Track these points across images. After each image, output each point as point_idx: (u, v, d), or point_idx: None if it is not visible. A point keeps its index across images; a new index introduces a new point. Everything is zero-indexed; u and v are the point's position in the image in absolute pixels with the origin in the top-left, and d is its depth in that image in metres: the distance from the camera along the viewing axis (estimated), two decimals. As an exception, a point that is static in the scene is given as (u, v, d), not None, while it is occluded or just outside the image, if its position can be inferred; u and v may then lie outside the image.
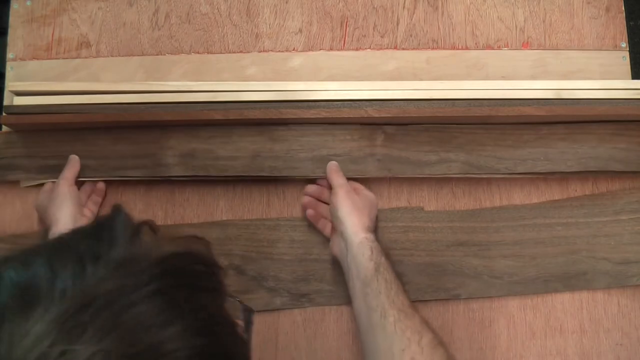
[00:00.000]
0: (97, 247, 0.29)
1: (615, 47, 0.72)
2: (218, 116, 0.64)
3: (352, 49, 0.72)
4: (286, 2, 0.73)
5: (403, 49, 0.72)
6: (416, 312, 0.50)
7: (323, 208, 0.65)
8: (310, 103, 0.65)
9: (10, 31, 0.73)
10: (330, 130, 0.66)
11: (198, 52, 0.72)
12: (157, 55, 0.72)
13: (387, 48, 0.72)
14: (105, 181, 0.68)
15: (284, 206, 0.68)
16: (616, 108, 0.65)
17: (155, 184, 0.68)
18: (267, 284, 0.65)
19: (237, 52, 0.72)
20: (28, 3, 0.73)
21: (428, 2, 0.73)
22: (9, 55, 0.72)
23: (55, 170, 0.66)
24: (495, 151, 0.67)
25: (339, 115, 0.64)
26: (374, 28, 0.73)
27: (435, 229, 0.67)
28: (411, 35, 0.72)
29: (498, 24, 0.73)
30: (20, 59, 0.72)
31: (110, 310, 0.26)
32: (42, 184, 0.67)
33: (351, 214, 0.58)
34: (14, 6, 0.73)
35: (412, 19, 0.73)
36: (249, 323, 0.40)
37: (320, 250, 0.66)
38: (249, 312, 0.40)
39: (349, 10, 0.73)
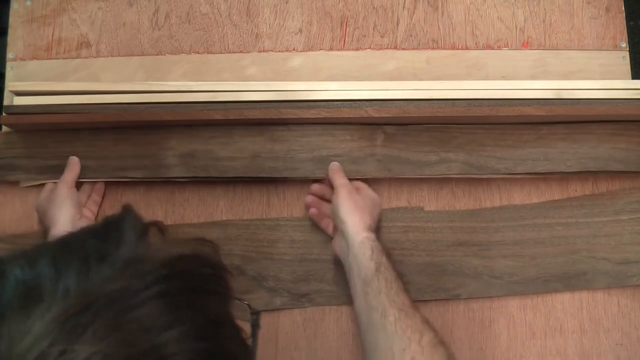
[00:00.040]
0: (103, 247, 0.29)
1: (615, 47, 0.72)
2: (218, 116, 0.64)
3: (352, 49, 0.72)
4: (286, 2, 0.73)
5: (403, 49, 0.72)
6: (417, 312, 0.50)
7: (326, 207, 0.65)
8: (310, 103, 0.65)
9: (10, 31, 0.73)
10: (330, 131, 0.66)
11: (198, 52, 0.72)
12: (157, 55, 0.72)
13: (387, 48, 0.72)
14: (105, 181, 0.68)
15: (284, 206, 0.68)
16: (616, 108, 0.65)
17: (156, 184, 0.68)
18: (267, 284, 0.65)
19: (237, 52, 0.72)
20: (28, 3, 0.73)
21: (428, 2, 0.73)
22: (9, 55, 0.72)
23: (56, 171, 0.66)
24: (495, 151, 0.66)
25: (339, 115, 0.64)
26: (374, 28, 0.73)
27: (435, 229, 0.67)
28: (411, 35, 0.72)
29: (498, 24, 0.73)
30: (20, 59, 0.72)
31: (113, 311, 0.26)
32: (42, 184, 0.67)
33: (352, 214, 0.58)
34: (14, 6, 0.73)
35: (412, 19, 0.73)
36: (255, 327, 0.40)
37: (320, 250, 0.66)
38: (256, 316, 0.40)
39: (349, 10, 0.73)
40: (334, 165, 0.65)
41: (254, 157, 0.66)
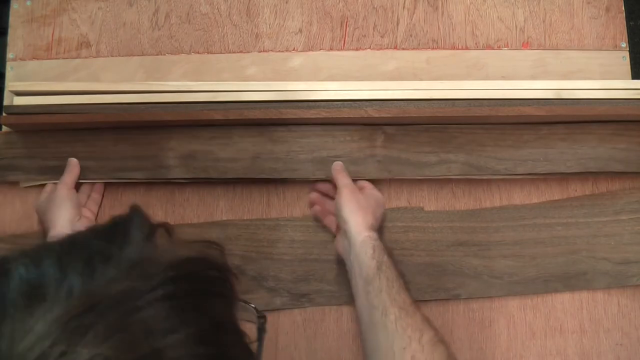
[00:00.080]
0: (109, 248, 0.28)
1: (615, 47, 0.72)
2: (218, 116, 0.64)
3: (352, 49, 0.72)
4: (286, 2, 0.73)
5: (403, 49, 0.72)
6: (417, 310, 0.51)
7: (330, 204, 0.65)
8: (310, 103, 0.65)
9: (10, 31, 0.73)
10: (330, 132, 0.66)
11: (198, 52, 0.72)
12: (157, 55, 0.72)
13: (387, 48, 0.72)
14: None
15: (284, 206, 0.68)
16: (616, 108, 0.65)
17: (155, 184, 0.68)
18: (267, 284, 0.65)
19: (237, 52, 0.72)
20: (28, 3, 0.73)
21: (428, 2, 0.73)
22: (9, 55, 0.72)
23: (56, 171, 0.66)
24: (495, 152, 0.66)
25: (339, 115, 0.64)
26: (374, 28, 0.73)
27: (435, 229, 0.67)
28: (411, 35, 0.72)
29: (498, 24, 0.73)
30: (20, 59, 0.72)
31: (116, 313, 0.26)
32: (42, 184, 0.67)
33: (355, 213, 0.58)
34: (14, 6, 0.73)
35: (412, 19, 0.73)
36: (261, 330, 0.39)
37: (320, 250, 0.66)
38: (263, 319, 0.40)
39: (349, 10, 0.73)
40: (337, 165, 0.65)
41: (254, 158, 0.66)
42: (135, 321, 0.26)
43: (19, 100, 0.65)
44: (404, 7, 0.73)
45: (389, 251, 0.57)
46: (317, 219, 0.67)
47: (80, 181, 0.66)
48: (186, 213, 0.68)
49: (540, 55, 0.72)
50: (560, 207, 0.68)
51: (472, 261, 0.66)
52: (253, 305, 0.40)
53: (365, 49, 0.72)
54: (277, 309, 0.65)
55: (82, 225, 0.62)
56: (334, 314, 0.65)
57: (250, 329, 0.37)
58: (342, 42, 0.72)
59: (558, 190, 0.69)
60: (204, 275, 0.31)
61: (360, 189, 0.63)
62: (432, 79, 0.70)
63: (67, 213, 0.61)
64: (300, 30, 0.73)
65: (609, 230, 0.67)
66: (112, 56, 0.72)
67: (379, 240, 0.57)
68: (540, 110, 0.64)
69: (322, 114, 0.64)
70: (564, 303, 0.66)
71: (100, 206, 0.68)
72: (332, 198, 0.65)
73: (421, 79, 0.70)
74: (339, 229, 0.63)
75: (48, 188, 0.66)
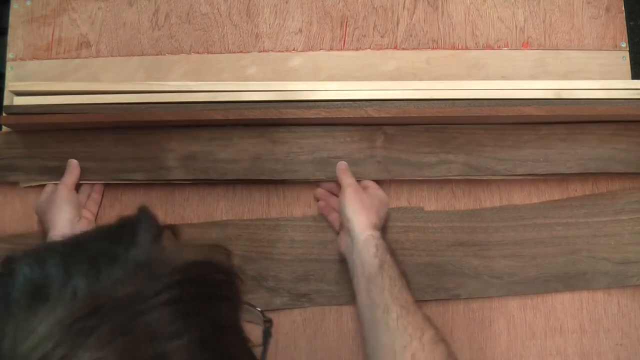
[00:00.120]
0: (115, 249, 0.28)
1: (615, 47, 0.72)
2: (218, 116, 0.64)
3: (352, 49, 0.72)
4: (286, 2, 0.73)
5: (403, 49, 0.72)
6: (419, 310, 0.51)
7: (334, 201, 0.66)
8: (310, 103, 0.65)
9: (10, 31, 0.73)
10: (330, 132, 0.66)
11: (198, 52, 0.72)
12: (157, 55, 0.72)
13: (387, 48, 0.72)
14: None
15: (284, 206, 0.68)
16: (616, 108, 0.65)
17: (156, 184, 0.68)
18: (267, 284, 0.65)
19: (237, 52, 0.72)
20: (28, 3, 0.73)
21: (428, 2, 0.73)
22: (9, 55, 0.72)
23: (56, 172, 0.66)
24: (495, 152, 0.66)
25: (339, 115, 0.64)
26: (374, 28, 0.73)
27: (435, 229, 0.67)
28: (411, 35, 0.72)
29: (498, 24, 0.73)
30: (20, 59, 0.72)
31: (120, 316, 0.25)
32: (42, 184, 0.67)
33: (358, 212, 0.59)
34: (14, 6, 0.73)
35: (412, 19, 0.73)
36: (267, 335, 0.39)
37: (320, 250, 0.66)
38: (268, 324, 0.40)
39: (349, 10, 0.73)
40: (342, 165, 0.65)
41: (254, 159, 0.66)
42: (140, 325, 0.26)
43: (19, 100, 0.65)
44: (404, 7, 0.73)
45: (392, 250, 0.57)
46: (321, 215, 0.67)
47: (82, 182, 0.66)
48: (186, 213, 0.68)
49: (540, 55, 0.72)
50: (560, 207, 0.68)
51: (472, 261, 0.66)
52: (259, 309, 0.40)
53: (365, 49, 0.72)
54: (277, 309, 0.65)
55: (82, 226, 0.62)
56: (334, 314, 0.65)
57: (255, 330, 0.36)
58: (342, 42, 0.72)
59: (558, 190, 0.69)
60: (210, 279, 0.31)
61: (365, 188, 0.64)
62: (432, 79, 0.70)
63: (67, 214, 0.61)
64: (300, 30, 0.73)
65: (609, 230, 0.67)
66: (112, 56, 0.72)
67: (382, 239, 0.57)
68: (540, 110, 0.64)
69: (322, 114, 0.64)
70: (564, 303, 0.66)
71: (100, 206, 0.68)
72: (337, 196, 0.65)
73: (421, 79, 0.70)
74: (342, 227, 0.63)
75: (48, 188, 0.66)
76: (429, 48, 0.72)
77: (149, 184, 0.68)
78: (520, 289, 0.66)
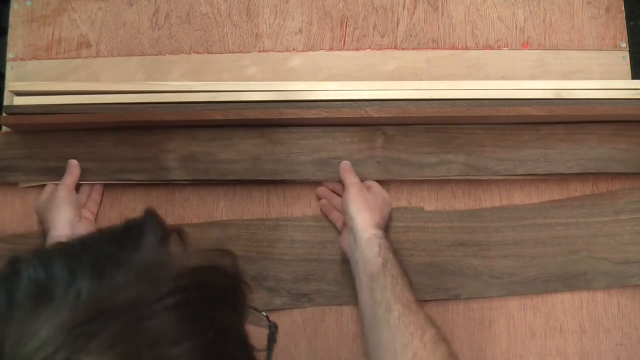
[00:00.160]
0: (121, 252, 0.28)
1: (615, 47, 0.72)
2: (218, 116, 0.64)
3: (352, 49, 0.72)
4: (286, 2, 0.73)
5: (403, 49, 0.72)
6: (421, 309, 0.51)
7: (337, 200, 0.66)
8: (310, 103, 0.65)
9: (10, 31, 0.73)
10: (330, 133, 0.66)
11: (198, 52, 0.72)
12: (157, 55, 0.72)
13: (387, 48, 0.72)
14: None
15: (284, 206, 0.68)
16: (616, 108, 0.65)
17: (156, 184, 0.68)
18: (267, 284, 0.65)
19: (237, 52, 0.72)
20: (28, 3, 0.73)
21: (428, 2, 0.73)
22: (9, 55, 0.72)
23: (55, 172, 0.66)
24: (495, 152, 0.66)
25: (339, 115, 0.64)
26: (374, 28, 0.73)
27: (435, 229, 0.67)
28: (411, 35, 0.72)
29: (498, 24, 0.73)
30: (20, 59, 0.72)
31: (122, 321, 0.25)
32: (42, 184, 0.67)
33: (362, 211, 0.59)
34: (14, 6, 0.73)
35: (412, 19, 0.73)
36: (272, 340, 0.39)
37: (320, 250, 0.66)
38: (274, 329, 0.40)
39: (349, 10, 0.73)
40: (345, 165, 0.65)
41: (254, 160, 0.66)
42: (142, 330, 0.26)
43: (19, 100, 0.65)
44: (404, 7, 0.73)
45: (395, 250, 0.57)
46: (322, 214, 0.67)
47: (82, 182, 0.66)
48: (186, 213, 0.68)
49: (540, 55, 0.72)
50: (560, 207, 0.68)
51: (472, 261, 0.66)
52: (265, 314, 0.40)
53: (365, 49, 0.72)
54: (277, 309, 0.65)
55: (82, 226, 0.62)
56: (334, 314, 0.65)
57: (259, 334, 0.36)
58: (342, 42, 0.72)
59: (558, 190, 0.69)
60: (216, 284, 0.30)
61: (368, 188, 0.64)
62: (432, 79, 0.70)
63: (67, 214, 0.61)
64: (300, 30, 0.73)
65: (609, 230, 0.67)
66: (112, 56, 0.72)
67: (385, 239, 0.57)
68: (540, 110, 0.64)
69: (322, 114, 0.64)
70: (564, 303, 0.66)
71: (100, 206, 0.68)
72: (340, 195, 0.65)
73: (421, 79, 0.70)
74: (344, 226, 0.63)
75: (48, 189, 0.66)
76: (429, 48, 0.72)
77: (149, 184, 0.68)
78: (520, 289, 0.66)
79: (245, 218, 0.68)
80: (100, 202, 0.68)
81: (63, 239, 0.30)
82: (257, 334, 0.35)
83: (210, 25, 0.73)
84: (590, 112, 0.65)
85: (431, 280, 0.65)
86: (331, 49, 0.72)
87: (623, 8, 0.73)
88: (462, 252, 0.66)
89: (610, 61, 0.72)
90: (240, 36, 0.72)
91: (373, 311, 0.52)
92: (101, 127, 0.66)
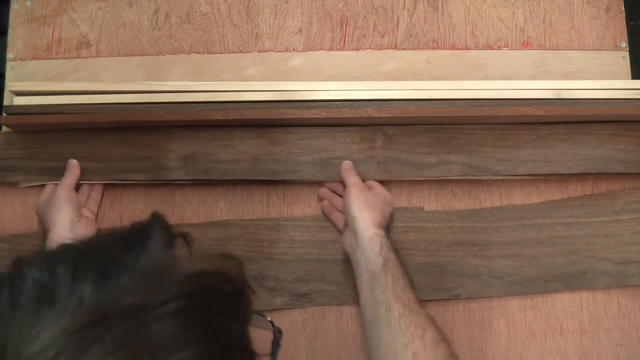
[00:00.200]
0: (125, 256, 0.28)
1: (615, 47, 0.72)
2: (218, 116, 0.64)
3: (352, 49, 0.72)
4: (286, 2, 0.73)
5: (403, 49, 0.72)
6: (421, 309, 0.51)
7: (338, 201, 0.66)
8: (310, 103, 0.65)
9: (10, 31, 0.73)
10: (330, 133, 0.66)
11: (198, 52, 0.72)
12: (157, 55, 0.72)
13: (387, 48, 0.72)
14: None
15: (284, 206, 0.68)
16: (616, 108, 0.65)
17: (156, 184, 0.68)
18: (267, 284, 0.65)
19: (237, 52, 0.72)
20: (28, 3, 0.73)
21: (428, 2, 0.73)
22: (9, 55, 0.72)
23: (55, 172, 0.66)
24: (495, 152, 0.66)
25: (339, 115, 0.64)
26: (374, 28, 0.73)
27: (435, 229, 0.67)
28: (411, 35, 0.72)
29: (498, 24, 0.73)
30: (20, 59, 0.72)
31: (124, 327, 0.25)
32: (42, 184, 0.67)
33: (363, 210, 0.59)
34: (14, 6, 0.73)
35: (412, 19, 0.73)
36: (276, 346, 0.39)
37: (320, 250, 0.66)
38: (278, 335, 0.40)
39: (349, 10, 0.73)
40: (347, 165, 0.65)
41: (254, 160, 0.66)
42: (144, 335, 0.25)
43: (19, 100, 0.65)
44: (404, 7, 0.73)
45: (396, 249, 0.57)
46: (324, 214, 0.67)
47: (82, 182, 0.66)
48: (186, 213, 0.68)
49: (540, 55, 0.72)
50: (560, 207, 0.68)
51: (472, 261, 0.66)
52: (269, 319, 0.39)
53: (365, 49, 0.72)
54: (277, 309, 0.65)
55: (82, 226, 0.62)
56: (334, 314, 0.65)
57: (263, 339, 0.36)
58: (342, 42, 0.72)
59: (558, 190, 0.69)
60: (220, 290, 0.30)
61: (369, 187, 0.64)
62: (432, 79, 0.70)
63: (67, 214, 0.61)
64: (300, 30, 0.73)
65: (609, 230, 0.67)
66: (112, 56, 0.72)
67: (386, 238, 0.57)
68: (540, 110, 0.64)
69: (322, 114, 0.64)
70: (564, 303, 0.66)
71: (100, 206, 0.68)
72: (341, 196, 0.65)
73: (421, 79, 0.70)
74: (346, 226, 0.63)
75: (48, 189, 0.66)
76: (429, 48, 0.72)
77: (149, 184, 0.68)
78: (520, 289, 0.66)
79: (245, 218, 0.68)
80: (101, 202, 0.68)
81: (68, 241, 0.30)
82: (261, 339, 0.34)
83: (210, 25, 0.73)
84: (590, 112, 0.65)
85: (431, 280, 0.65)
86: (331, 49, 0.72)
87: (623, 8, 0.73)
88: (462, 252, 0.66)
89: (610, 61, 0.72)
90: (240, 36, 0.72)
91: (374, 311, 0.52)
92: (101, 127, 0.66)
